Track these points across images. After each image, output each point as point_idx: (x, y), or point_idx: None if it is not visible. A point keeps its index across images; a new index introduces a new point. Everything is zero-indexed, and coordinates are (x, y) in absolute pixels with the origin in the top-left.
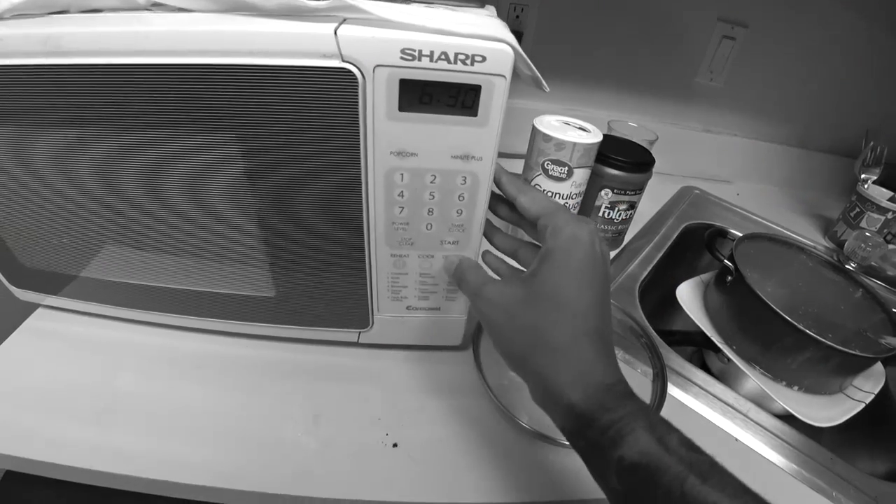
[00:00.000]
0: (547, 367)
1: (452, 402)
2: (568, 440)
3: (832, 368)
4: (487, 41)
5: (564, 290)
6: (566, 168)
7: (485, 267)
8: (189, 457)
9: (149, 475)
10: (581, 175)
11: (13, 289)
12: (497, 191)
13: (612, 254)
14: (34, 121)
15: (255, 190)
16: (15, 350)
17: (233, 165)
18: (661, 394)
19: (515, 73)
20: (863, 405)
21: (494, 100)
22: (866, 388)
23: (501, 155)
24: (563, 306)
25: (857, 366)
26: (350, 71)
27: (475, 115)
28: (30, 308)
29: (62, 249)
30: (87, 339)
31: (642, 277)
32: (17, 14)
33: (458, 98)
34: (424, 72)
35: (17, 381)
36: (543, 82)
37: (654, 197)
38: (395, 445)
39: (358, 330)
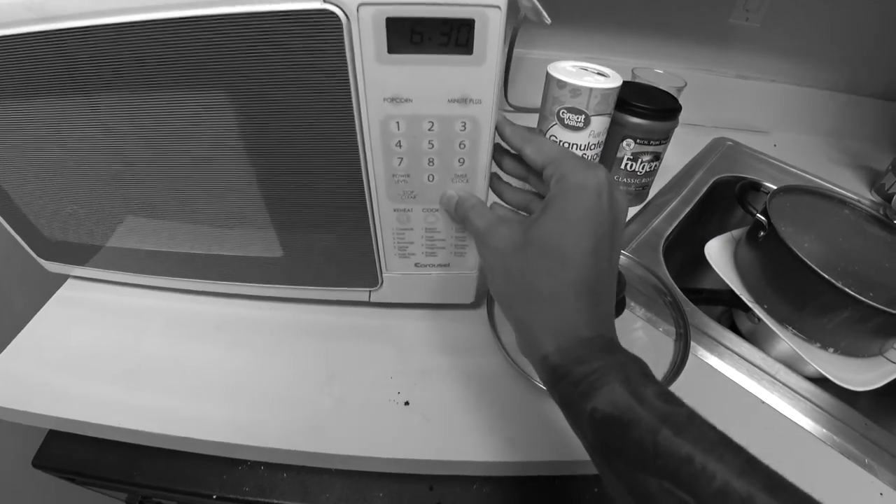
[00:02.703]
0: (528, 316)
1: (465, 360)
2: (547, 390)
3: (872, 329)
4: None
5: (558, 238)
6: (583, 116)
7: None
8: (209, 414)
9: (172, 432)
10: (599, 123)
11: (41, 261)
12: (502, 144)
13: (637, 209)
14: (30, 91)
15: (251, 147)
16: (49, 319)
17: (227, 123)
18: (682, 355)
19: (514, 5)
20: None
21: (490, 34)
22: None
23: (517, 110)
24: (553, 255)
25: None
26: (332, 12)
27: (470, 52)
28: (60, 279)
29: (78, 220)
30: (114, 306)
31: (667, 233)
32: None
33: (451, 35)
34: (412, 7)
35: (53, 347)
36: (544, 13)
37: (684, 149)
38: (406, 404)
39: (368, 289)
